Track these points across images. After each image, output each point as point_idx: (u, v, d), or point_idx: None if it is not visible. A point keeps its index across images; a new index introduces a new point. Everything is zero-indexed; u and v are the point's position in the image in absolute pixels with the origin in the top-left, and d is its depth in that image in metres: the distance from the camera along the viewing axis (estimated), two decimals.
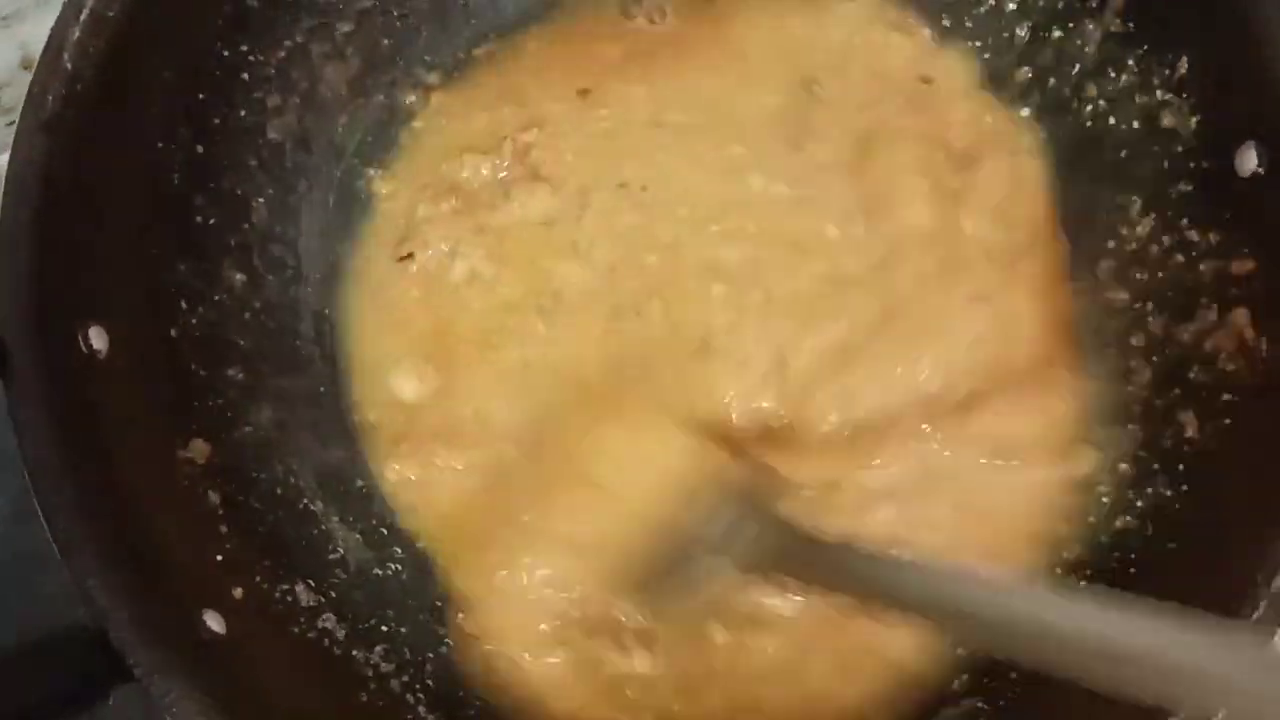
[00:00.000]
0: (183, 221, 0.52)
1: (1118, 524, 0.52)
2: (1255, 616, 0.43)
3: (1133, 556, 0.51)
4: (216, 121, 0.53)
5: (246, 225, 0.55)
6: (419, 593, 0.54)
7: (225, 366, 0.52)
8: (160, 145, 0.50)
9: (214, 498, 0.49)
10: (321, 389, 0.56)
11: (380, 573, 0.54)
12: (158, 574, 0.44)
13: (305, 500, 0.53)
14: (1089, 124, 0.57)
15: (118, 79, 0.47)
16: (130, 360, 0.47)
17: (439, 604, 0.54)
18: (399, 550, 0.54)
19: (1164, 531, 0.50)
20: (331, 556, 0.53)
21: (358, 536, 0.54)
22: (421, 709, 0.51)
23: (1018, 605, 0.39)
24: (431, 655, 0.52)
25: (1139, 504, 0.51)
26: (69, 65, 0.45)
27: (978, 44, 0.60)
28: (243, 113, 0.55)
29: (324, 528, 0.53)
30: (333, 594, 0.51)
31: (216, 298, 0.53)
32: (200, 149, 0.52)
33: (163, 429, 0.48)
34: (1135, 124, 0.55)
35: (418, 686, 0.51)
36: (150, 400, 0.48)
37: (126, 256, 0.48)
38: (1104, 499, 0.53)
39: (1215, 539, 0.47)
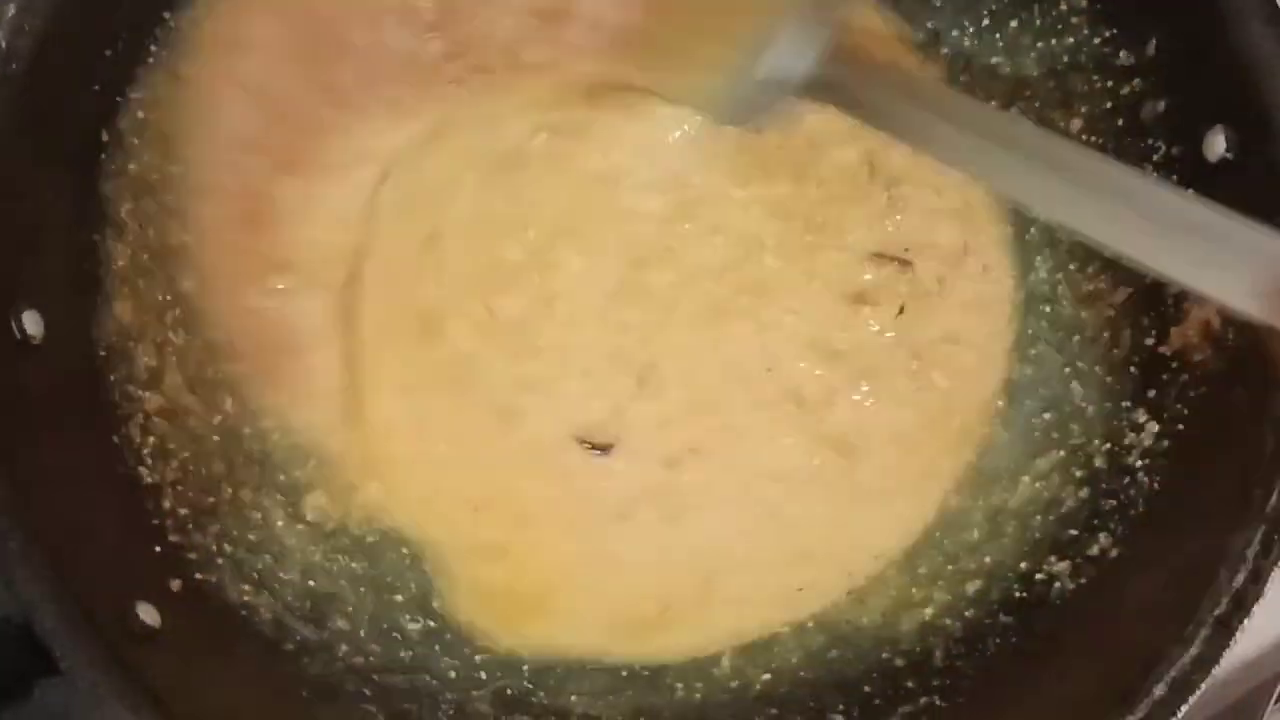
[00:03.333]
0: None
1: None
2: (1216, 613, 0.42)
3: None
4: None
5: None
6: (370, 583, 0.53)
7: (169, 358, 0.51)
8: (98, 127, 0.49)
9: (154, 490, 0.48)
10: None
11: (326, 565, 0.52)
12: (87, 564, 0.42)
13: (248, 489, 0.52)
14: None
15: (54, 58, 0.45)
16: (66, 346, 0.46)
17: (394, 596, 0.53)
18: (347, 541, 0.53)
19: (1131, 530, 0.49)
20: (274, 548, 0.52)
21: (300, 527, 0.52)
22: (369, 706, 0.50)
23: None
24: (378, 649, 0.51)
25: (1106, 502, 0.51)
26: (3, 44, 0.44)
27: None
28: None
29: (268, 517, 0.52)
30: (275, 586, 0.50)
31: None
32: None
33: (99, 417, 0.47)
34: (1105, 107, 0.54)
35: (365, 685, 0.50)
36: (87, 387, 0.47)
37: (61, 240, 0.47)
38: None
39: (1179, 532, 0.46)
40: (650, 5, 0.52)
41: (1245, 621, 0.43)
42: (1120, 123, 0.52)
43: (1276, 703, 0.63)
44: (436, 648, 0.52)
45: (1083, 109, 0.54)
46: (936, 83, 0.53)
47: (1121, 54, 0.52)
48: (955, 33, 0.57)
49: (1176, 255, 0.38)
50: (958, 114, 0.44)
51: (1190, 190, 0.49)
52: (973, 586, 0.52)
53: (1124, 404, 0.51)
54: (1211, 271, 0.38)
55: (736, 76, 0.48)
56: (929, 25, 0.57)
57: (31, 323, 0.45)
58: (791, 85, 0.47)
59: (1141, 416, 0.50)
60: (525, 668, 0.53)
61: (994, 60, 0.56)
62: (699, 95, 0.51)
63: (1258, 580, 0.42)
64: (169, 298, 0.51)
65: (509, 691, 0.52)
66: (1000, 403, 0.55)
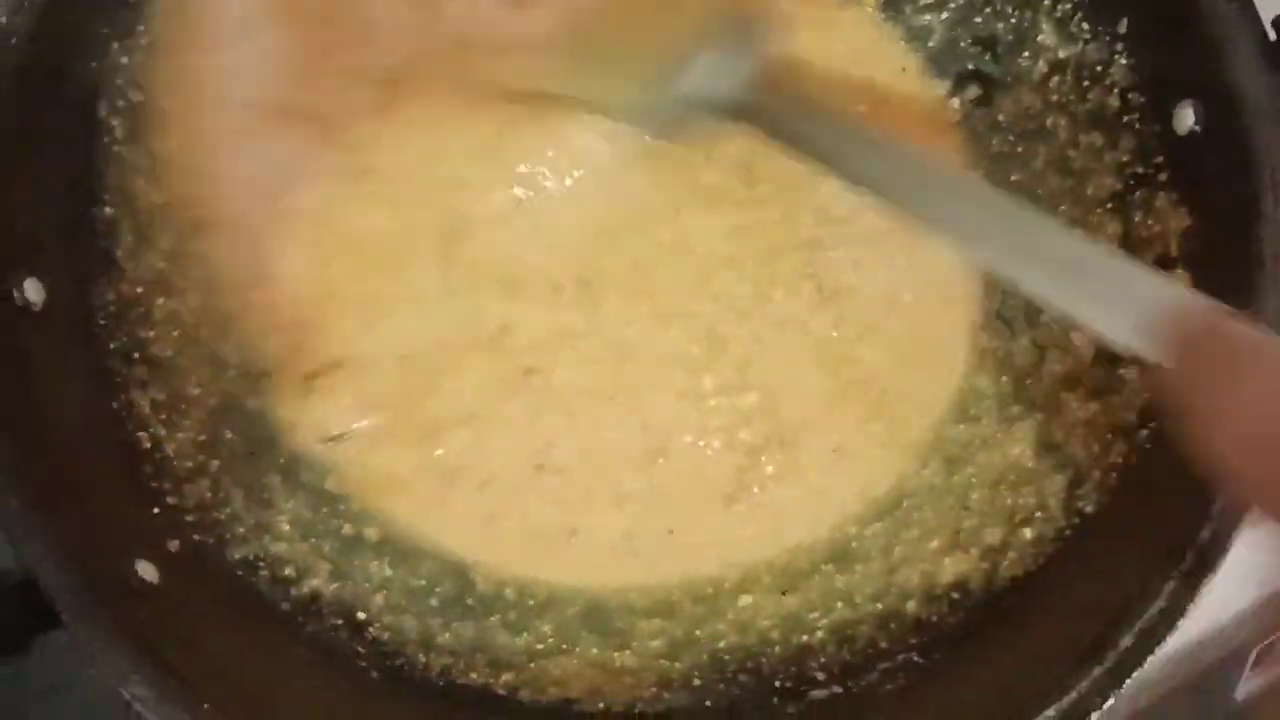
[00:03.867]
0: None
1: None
2: (1182, 568, 0.44)
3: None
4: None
5: None
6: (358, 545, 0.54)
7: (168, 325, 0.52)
8: (96, 99, 0.50)
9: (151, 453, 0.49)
10: None
11: (322, 528, 0.53)
12: (88, 522, 0.44)
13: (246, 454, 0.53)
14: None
15: (53, 31, 0.47)
16: (67, 313, 0.47)
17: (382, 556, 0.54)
18: (340, 506, 0.54)
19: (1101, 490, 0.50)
20: (270, 513, 0.53)
21: (300, 496, 0.53)
22: (362, 663, 0.51)
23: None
24: (368, 607, 0.52)
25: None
26: (2, 19, 0.45)
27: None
28: None
29: (265, 485, 0.53)
30: (272, 547, 0.51)
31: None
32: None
33: (99, 383, 0.48)
34: (1081, 83, 0.55)
35: (357, 643, 0.51)
36: (88, 353, 0.48)
37: (62, 209, 0.48)
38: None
39: (1148, 491, 0.48)
40: (582, 13, 0.53)
41: (1212, 578, 0.44)
42: (1091, 98, 0.54)
43: (1251, 669, 0.65)
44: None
45: (1056, 84, 0.56)
46: (852, 115, 0.54)
47: (1095, 30, 0.53)
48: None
49: (1063, 289, 0.40)
50: (870, 147, 0.46)
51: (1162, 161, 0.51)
52: (942, 547, 0.53)
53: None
54: (1094, 306, 0.39)
55: (658, 92, 0.50)
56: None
57: (33, 290, 0.46)
58: (714, 106, 0.49)
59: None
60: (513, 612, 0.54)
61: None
62: (621, 106, 0.53)
63: (1224, 536, 0.43)
64: (169, 266, 0.52)
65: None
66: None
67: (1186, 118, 0.49)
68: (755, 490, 0.55)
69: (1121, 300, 0.38)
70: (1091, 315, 0.39)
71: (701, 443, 0.55)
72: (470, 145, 0.55)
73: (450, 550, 0.54)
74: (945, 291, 0.57)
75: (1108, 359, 0.52)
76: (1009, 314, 0.56)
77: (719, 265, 0.56)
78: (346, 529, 0.53)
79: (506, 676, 0.52)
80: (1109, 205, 0.53)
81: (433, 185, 0.55)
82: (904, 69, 0.59)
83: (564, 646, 0.53)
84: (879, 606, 0.52)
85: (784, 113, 0.48)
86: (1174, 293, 0.39)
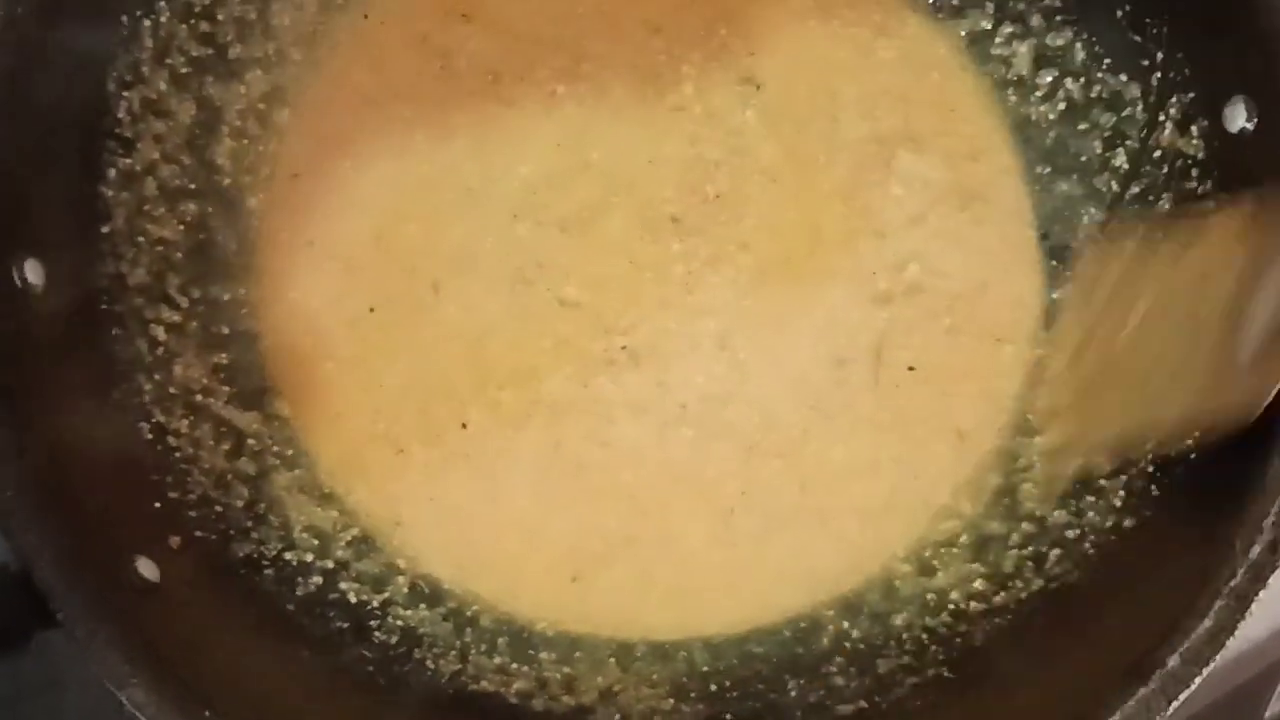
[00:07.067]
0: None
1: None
2: (1232, 584, 0.42)
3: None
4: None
5: None
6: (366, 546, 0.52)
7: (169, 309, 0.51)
8: (103, 79, 0.48)
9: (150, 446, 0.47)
10: None
11: (329, 527, 0.52)
12: (86, 517, 0.42)
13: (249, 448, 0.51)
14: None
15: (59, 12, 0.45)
16: (67, 297, 0.45)
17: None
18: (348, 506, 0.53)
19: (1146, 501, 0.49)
20: (275, 508, 0.51)
21: (302, 496, 0.52)
22: (368, 667, 0.49)
23: None
24: (378, 610, 0.51)
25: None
26: None
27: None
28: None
29: (269, 477, 0.51)
30: (276, 545, 0.50)
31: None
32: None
33: (100, 369, 0.47)
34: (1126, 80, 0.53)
35: (364, 647, 0.49)
36: (88, 339, 0.46)
37: (63, 191, 0.46)
38: None
39: (1196, 504, 0.46)
40: None
41: (1261, 593, 0.42)
42: (1140, 93, 0.52)
43: None
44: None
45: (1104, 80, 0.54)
46: None
47: (1144, 24, 0.52)
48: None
49: None
50: None
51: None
52: (982, 560, 0.51)
53: None
54: None
55: None
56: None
57: (33, 272, 0.44)
58: None
59: None
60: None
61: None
62: None
63: (1275, 551, 0.41)
64: (171, 251, 0.50)
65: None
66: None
67: (1238, 114, 0.48)
68: None
69: None
70: None
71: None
72: None
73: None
74: None
75: None
76: None
77: None
78: (355, 530, 0.52)
79: (519, 685, 0.50)
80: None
81: None
82: None
83: (577, 655, 0.51)
84: (909, 620, 0.50)
85: None
86: None
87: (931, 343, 0.54)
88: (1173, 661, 0.41)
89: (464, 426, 0.53)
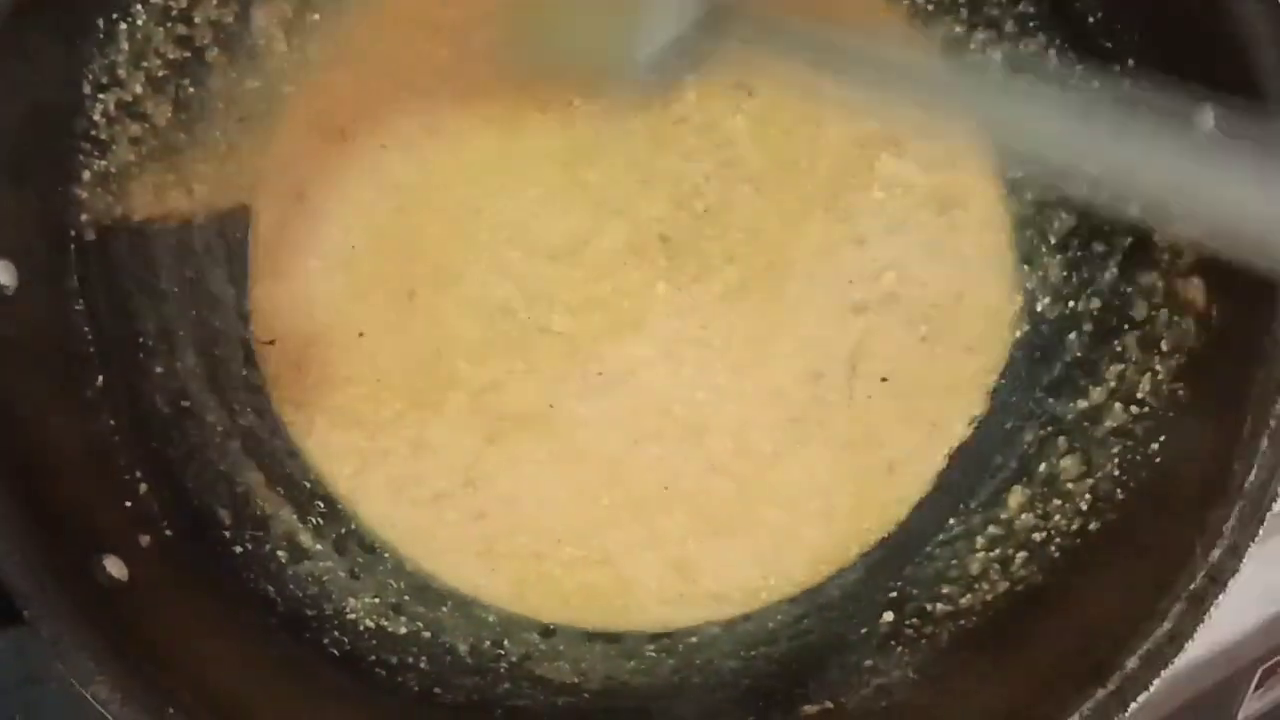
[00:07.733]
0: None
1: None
2: (1191, 588, 0.42)
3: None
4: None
5: None
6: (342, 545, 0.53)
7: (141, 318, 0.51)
8: (86, 77, 0.48)
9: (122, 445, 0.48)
10: None
11: (304, 527, 0.52)
12: (54, 516, 0.42)
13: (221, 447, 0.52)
14: None
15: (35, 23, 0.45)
16: (38, 298, 0.45)
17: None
18: (320, 505, 0.53)
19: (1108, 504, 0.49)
20: (249, 510, 0.51)
21: (282, 494, 0.52)
22: (340, 668, 0.49)
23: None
24: (349, 610, 0.51)
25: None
26: None
27: None
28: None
29: (245, 486, 0.52)
30: (246, 542, 0.50)
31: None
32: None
33: (70, 370, 0.47)
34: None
35: (335, 647, 0.50)
36: (59, 339, 0.47)
37: (36, 192, 0.46)
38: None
39: (1157, 508, 0.46)
40: None
41: (1220, 598, 0.42)
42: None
43: (1255, 689, 0.63)
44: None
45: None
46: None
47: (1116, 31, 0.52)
48: None
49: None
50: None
51: None
52: (946, 563, 0.52)
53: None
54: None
55: (622, 46, 0.48)
56: None
57: (4, 273, 0.44)
58: (682, 41, 0.47)
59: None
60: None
61: None
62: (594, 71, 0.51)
63: (1234, 556, 0.42)
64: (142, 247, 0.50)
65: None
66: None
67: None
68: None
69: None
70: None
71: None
72: None
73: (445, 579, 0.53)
74: None
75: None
76: None
77: None
78: (330, 530, 0.52)
79: (503, 686, 0.51)
80: None
81: None
82: None
83: (561, 648, 0.52)
84: (876, 623, 0.51)
85: (752, 29, 0.47)
86: None
87: (905, 352, 0.55)
88: (1132, 664, 0.41)
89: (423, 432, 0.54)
